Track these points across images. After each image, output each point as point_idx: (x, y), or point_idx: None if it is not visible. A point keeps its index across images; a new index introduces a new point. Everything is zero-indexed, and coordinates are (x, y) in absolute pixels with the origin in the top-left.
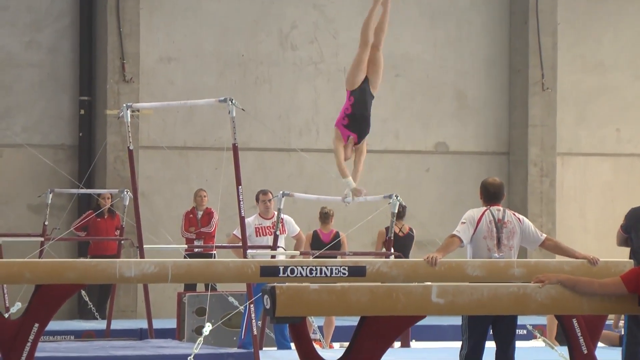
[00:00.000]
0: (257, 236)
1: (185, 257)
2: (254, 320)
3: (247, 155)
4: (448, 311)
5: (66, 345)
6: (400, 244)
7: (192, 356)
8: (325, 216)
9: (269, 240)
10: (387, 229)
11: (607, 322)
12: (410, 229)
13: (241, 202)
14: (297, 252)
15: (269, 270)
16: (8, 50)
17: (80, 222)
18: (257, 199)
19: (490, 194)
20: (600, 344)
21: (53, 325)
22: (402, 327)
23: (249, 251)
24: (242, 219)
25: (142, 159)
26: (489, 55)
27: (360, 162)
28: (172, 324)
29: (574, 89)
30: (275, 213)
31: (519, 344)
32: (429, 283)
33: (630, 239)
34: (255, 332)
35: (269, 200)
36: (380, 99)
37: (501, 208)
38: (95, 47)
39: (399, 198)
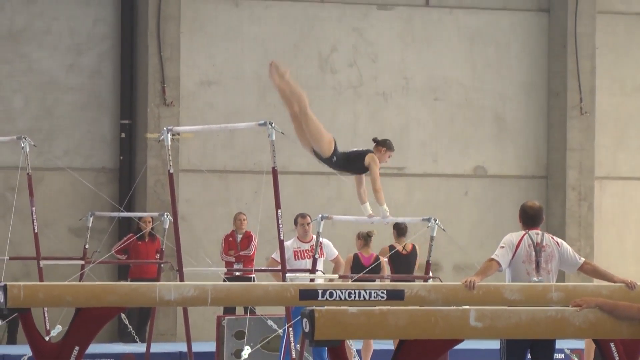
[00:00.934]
0: (295, 259)
1: (224, 281)
2: (292, 344)
3: (286, 179)
4: (486, 335)
5: None
6: (404, 261)
7: None
8: (366, 239)
9: (307, 263)
10: (390, 247)
11: None
12: (414, 247)
13: (280, 226)
14: (336, 276)
15: (308, 294)
16: (50, 74)
17: (121, 246)
18: (296, 223)
19: (529, 218)
20: None
21: (93, 348)
22: (440, 351)
23: (288, 274)
24: (281, 243)
25: (182, 183)
26: (527, 78)
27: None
28: (211, 347)
29: (613, 113)
30: (314, 236)
31: None
32: (467, 307)
33: None
34: (294, 356)
35: (308, 224)
36: (419, 122)
37: (540, 232)
38: (136, 70)
39: (437, 222)
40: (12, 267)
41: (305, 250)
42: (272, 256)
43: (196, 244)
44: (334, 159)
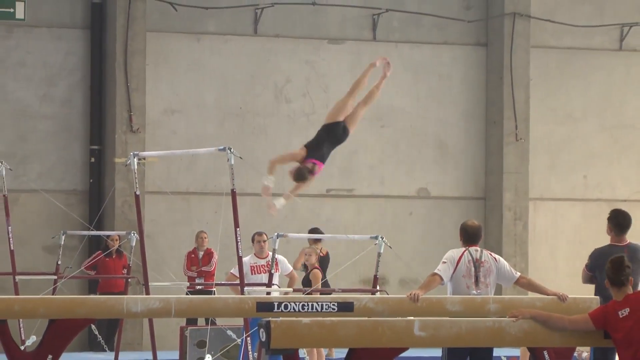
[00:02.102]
0: (252, 274)
1: (187, 294)
2: (250, 352)
3: (244, 200)
4: (429, 344)
5: None
6: (321, 262)
7: None
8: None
9: (263, 277)
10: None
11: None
12: (327, 252)
13: (239, 243)
14: (291, 289)
15: (265, 306)
16: (25, 103)
17: (91, 262)
18: (253, 240)
19: (469, 236)
20: None
21: (65, 357)
22: (387, 358)
23: (246, 288)
24: (239, 259)
25: (147, 203)
26: (467, 107)
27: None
28: (175, 355)
29: (545, 139)
30: (270, 253)
31: None
32: (412, 318)
33: (595, 277)
34: None
35: (264, 241)
36: (368, 147)
37: (479, 248)
38: (105, 100)
39: (384, 239)
40: None
41: (262, 265)
42: (231, 271)
43: (161, 260)
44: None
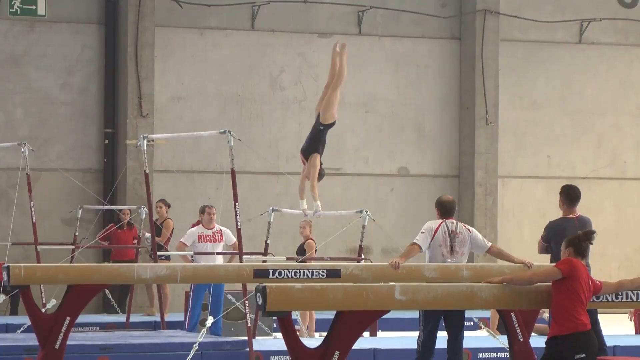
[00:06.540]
0: (199, 242)
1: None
2: (249, 314)
3: (242, 178)
4: (408, 306)
5: (92, 334)
6: None
7: (196, 344)
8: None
9: (208, 247)
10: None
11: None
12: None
13: (237, 216)
14: (284, 258)
15: (261, 273)
16: (46, 91)
17: (104, 233)
18: (203, 212)
19: (445, 209)
20: (533, 334)
21: (82, 318)
22: (370, 320)
23: (244, 257)
24: (238, 231)
25: (156, 181)
26: (442, 95)
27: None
28: (180, 317)
29: (513, 123)
30: (216, 224)
31: (466, 333)
32: (393, 283)
33: (550, 247)
34: (249, 324)
35: (213, 213)
36: (353, 130)
37: (454, 221)
38: (118, 88)
39: (368, 213)
40: (14, 252)
41: (208, 235)
42: (181, 240)
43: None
44: (322, 128)
